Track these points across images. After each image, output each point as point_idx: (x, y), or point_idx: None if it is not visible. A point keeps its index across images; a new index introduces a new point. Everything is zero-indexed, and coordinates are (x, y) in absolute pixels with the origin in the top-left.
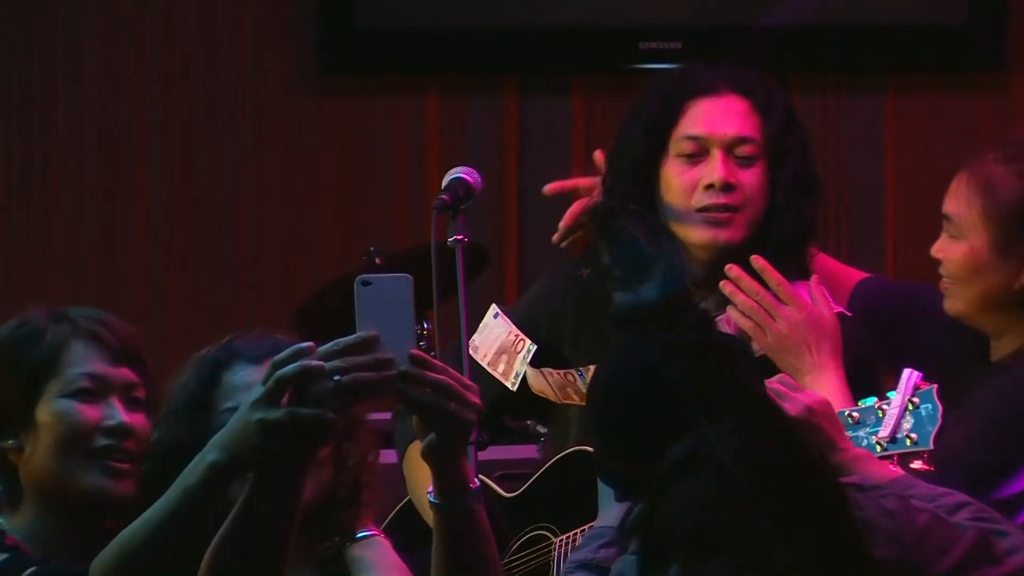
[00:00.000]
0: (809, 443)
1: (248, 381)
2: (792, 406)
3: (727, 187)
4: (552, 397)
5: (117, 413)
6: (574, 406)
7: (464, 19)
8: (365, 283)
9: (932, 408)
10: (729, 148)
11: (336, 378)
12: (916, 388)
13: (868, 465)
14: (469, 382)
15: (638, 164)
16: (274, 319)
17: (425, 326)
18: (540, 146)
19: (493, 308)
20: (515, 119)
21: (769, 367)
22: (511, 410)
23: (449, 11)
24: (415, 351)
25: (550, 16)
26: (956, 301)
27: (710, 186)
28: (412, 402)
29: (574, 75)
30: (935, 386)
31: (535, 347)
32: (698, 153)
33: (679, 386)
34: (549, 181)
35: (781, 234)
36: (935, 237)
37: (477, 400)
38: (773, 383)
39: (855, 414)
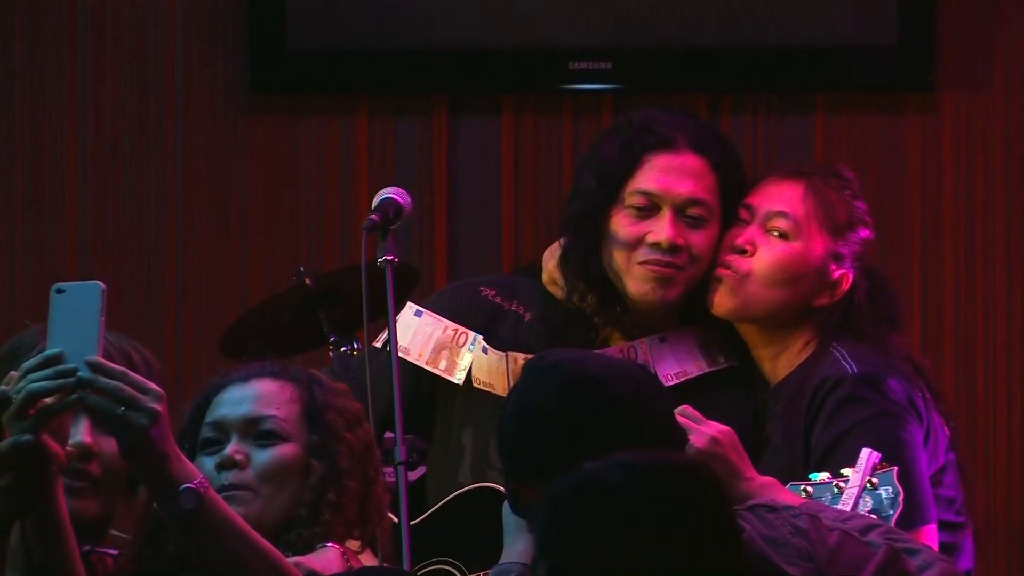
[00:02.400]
0: (711, 476)
1: (225, 398)
2: (697, 438)
3: (673, 248)
4: (500, 389)
5: (79, 433)
6: (469, 431)
7: (394, 39)
8: (59, 291)
9: (893, 491)
10: (680, 208)
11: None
12: (875, 468)
13: (775, 492)
14: (151, 386)
15: (590, 212)
16: (203, 339)
17: (355, 346)
18: (470, 166)
19: (412, 307)
20: (445, 139)
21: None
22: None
23: (379, 31)
24: (92, 358)
25: (480, 36)
26: (748, 300)
27: (656, 244)
28: (88, 408)
29: (504, 95)
30: (895, 468)
31: (481, 336)
32: (649, 208)
33: (594, 416)
34: (478, 200)
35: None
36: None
37: (156, 406)
38: (678, 416)
39: (808, 488)
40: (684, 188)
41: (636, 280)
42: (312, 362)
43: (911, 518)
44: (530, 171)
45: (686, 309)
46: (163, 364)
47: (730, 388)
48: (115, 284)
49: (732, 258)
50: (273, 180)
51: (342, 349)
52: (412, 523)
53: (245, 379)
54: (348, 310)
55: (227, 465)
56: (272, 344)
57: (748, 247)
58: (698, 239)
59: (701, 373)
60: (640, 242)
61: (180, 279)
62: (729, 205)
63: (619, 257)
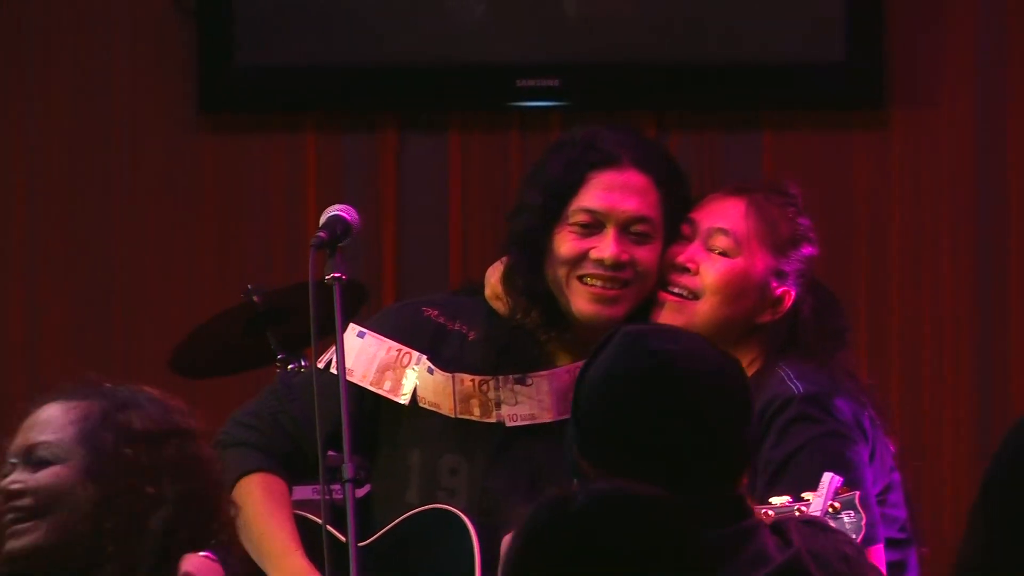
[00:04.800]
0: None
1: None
2: None
3: (617, 265)
4: (447, 410)
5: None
6: (416, 453)
7: (342, 56)
8: None
9: (856, 515)
10: (624, 226)
11: None
12: (837, 493)
13: None
14: None
15: (534, 229)
16: (151, 357)
17: (303, 363)
18: (417, 183)
19: (354, 328)
20: (392, 156)
21: None
22: (340, 448)
23: (327, 48)
24: None
25: (427, 53)
26: (692, 318)
27: (600, 261)
28: None
29: (451, 112)
30: (857, 493)
31: (425, 356)
32: (593, 226)
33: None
34: (427, 217)
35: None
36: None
37: None
38: None
39: (770, 512)
40: (628, 205)
41: (580, 298)
42: (260, 379)
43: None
44: (478, 188)
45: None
46: (111, 382)
47: None
48: (62, 302)
49: (676, 277)
50: (221, 198)
51: (289, 367)
52: (362, 545)
53: (41, 404)
54: (296, 328)
55: (10, 497)
56: (220, 361)
57: (690, 265)
58: (643, 255)
59: None
60: (583, 258)
61: (128, 297)
62: (673, 221)
63: (562, 274)
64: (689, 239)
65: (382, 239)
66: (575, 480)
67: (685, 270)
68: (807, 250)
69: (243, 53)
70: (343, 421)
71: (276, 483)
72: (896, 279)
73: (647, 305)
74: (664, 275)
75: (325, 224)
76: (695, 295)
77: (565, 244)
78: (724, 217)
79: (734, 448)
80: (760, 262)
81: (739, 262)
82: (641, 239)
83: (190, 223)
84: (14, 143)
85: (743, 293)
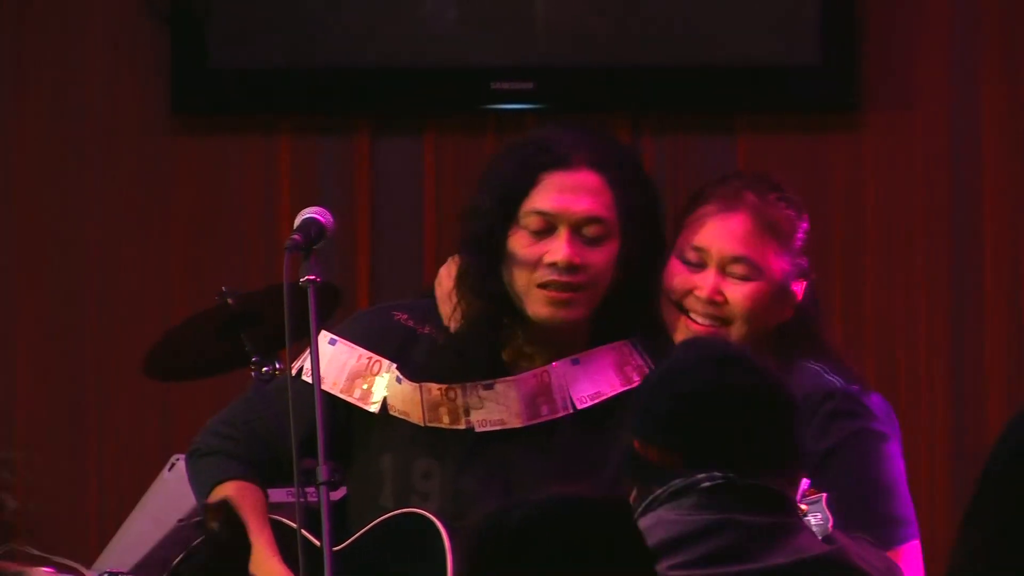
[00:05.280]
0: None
1: None
2: None
3: (571, 268)
4: (417, 418)
5: None
6: (388, 457)
7: (316, 60)
8: None
9: (823, 518)
10: (577, 227)
11: None
12: (804, 495)
13: None
14: None
15: (487, 232)
16: (124, 360)
17: (277, 366)
18: (392, 186)
19: (326, 335)
20: (367, 159)
21: None
22: (314, 455)
23: (301, 52)
24: None
25: (402, 56)
26: (732, 340)
27: (553, 264)
28: None
29: (426, 115)
30: (824, 495)
31: (395, 364)
32: (546, 229)
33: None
34: (401, 220)
35: (622, 309)
36: None
37: None
38: None
39: None
40: (580, 207)
41: (536, 303)
42: (234, 382)
43: (898, 535)
44: (452, 191)
45: (596, 329)
46: (86, 383)
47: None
48: (35, 305)
49: (702, 307)
50: (195, 200)
51: (264, 369)
52: (337, 549)
53: None
54: (270, 330)
55: None
56: (194, 365)
57: (718, 298)
58: (596, 257)
59: (615, 393)
60: (539, 263)
61: (101, 300)
62: (629, 221)
63: (519, 278)
64: (699, 265)
65: (357, 242)
66: (630, 475)
67: (712, 303)
68: (803, 229)
69: (217, 55)
70: (318, 424)
71: (251, 490)
72: (870, 281)
73: (612, 308)
74: (681, 301)
75: (299, 227)
76: (726, 322)
77: (520, 248)
78: (734, 241)
79: (787, 443)
80: (778, 271)
81: (762, 283)
82: (594, 241)
83: (164, 226)
84: None
85: (771, 306)
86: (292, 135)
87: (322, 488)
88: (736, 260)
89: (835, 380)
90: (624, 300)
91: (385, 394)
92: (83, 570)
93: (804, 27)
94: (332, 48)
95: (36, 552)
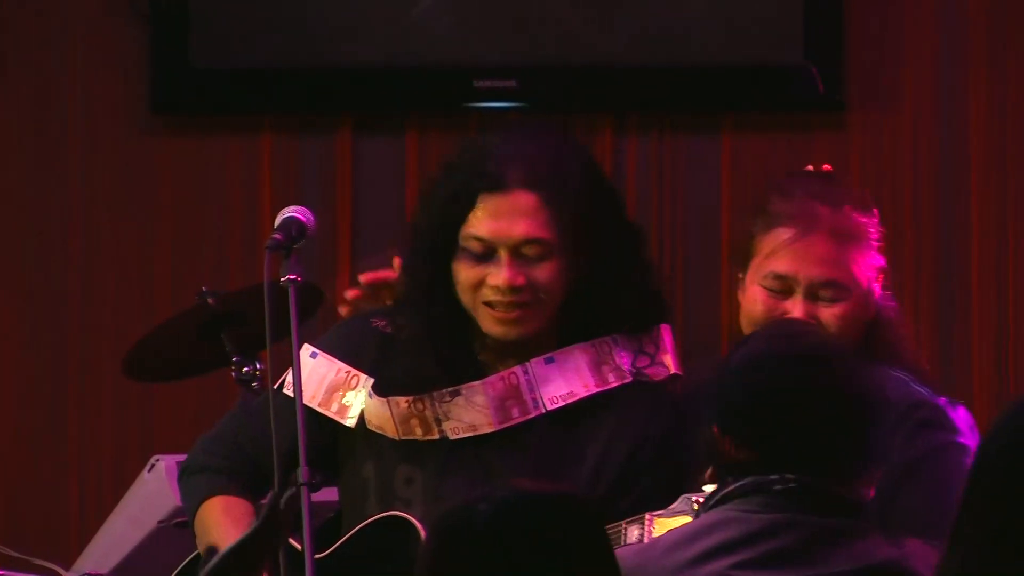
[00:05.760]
0: None
1: None
2: None
3: (513, 290)
4: (392, 433)
5: None
6: (371, 465)
7: (297, 58)
8: None
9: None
10: (515, 249)
11: None
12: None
13: None
14: None
15: (430, 256)
16: (105, 361)
17: (258, 366)
18: (374, 185)
19: (308, 348)
20: (348, 158)
21: None
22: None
23: (282, 50)
24: None
25: (383, 54)
26: None
27: (496, 288)
28: None
29: (408, 114)
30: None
31: (372, 379)
32: (485, 253)
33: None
34: (383, 220)
35: (592, 306)
36: None
37: None
38: None
39: (700, 500)
40: (516, 231)
41: (486, 321)
42: (215, 383)
43: None
44: None
45: (565, 326)
46: (65, 384)
47: (630, 406)
48: (16, 305)
49: None
50: (175, 199)
51: (244, 370)
52: (320, 556)
53: None
54: (251, 330)
55: None
56: (174, 365)
57: (812, 322)
58: (539, 275)
59: (589, 394)
60: (482, 283)
61: (81, 300)
62: (571, 235)
63: (466, 298)
64: (784, 292)
65: (338, 241)
66: (707, 459)
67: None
68: (876, 226)
69: (197, 54)
70: (299, 428)
71: (237, 504)
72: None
73: (581, 306)
74: None
75: (280, 226)
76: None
77: (462, 272)
78: (820, 266)
79: (866, 448)
80: (864, 281)
81: (852, 300)
82: (535, 260)
83: (144, 225)
84: None
85: (863, 316)
86: (273, 134)
87: (303, 489)
88: (825, 285)
89: (923, 391)
90: (590, 296)
91: (362, 408)
92: (62, 572)
93: (789, 26)
94: (314, 47)
95: (15, 554)
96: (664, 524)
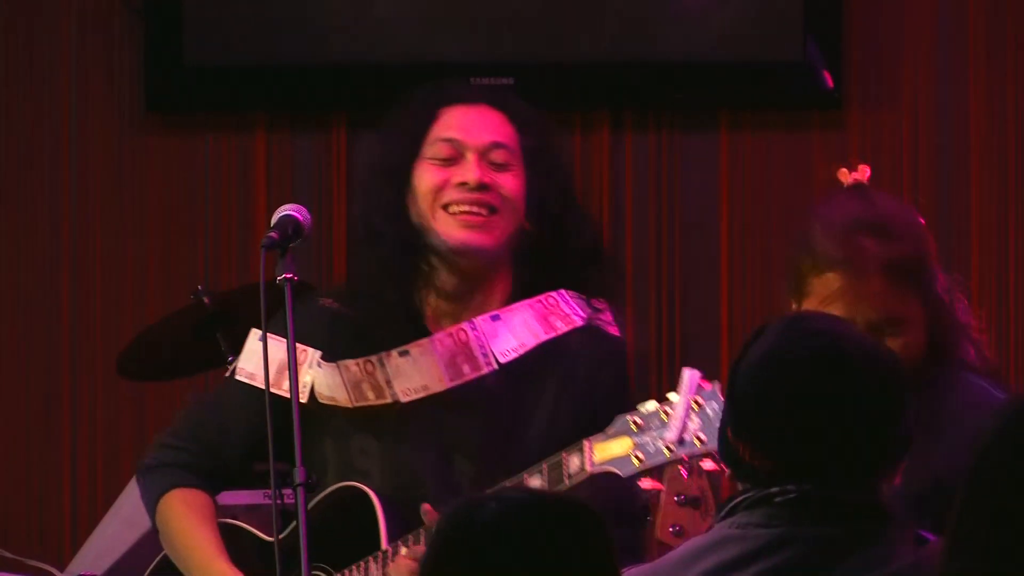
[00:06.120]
0: None
1: None
2: None
3: (481, 187)
4: (344, 400)
5: None
6: (328, 442)
7: (292, 56)
8: None
9: (718, 406)
10: (484, 152)
11: None
12: (699, 388)
13: None
14: None
15: (390, 170)
16: (98, 361)
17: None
18: None
19: (256, 333)
20: (343, 156)
21: None
22: (260, 454)
23: (276, 48)
24: None
25: (379, 52)
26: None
27: (463, 184)
28: None
29: None
30: (718, 384)
31: (319, 351)
32: (453, 157)
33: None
34: None
35: (539, 264)
36: (768, 275)
37: None
38: None
39: (638, 420)
40: (485, 133)
41: (448, 227)
42: (210, 382)
43: None
44: None
45: (515, 288)
46: (59, 384)
47: (582, 349)
48: (8, 305)
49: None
50: (169, 198)
51: None
52: (282, 537)
53: None
54: (246, 329)
55: None
56: (169, 364)
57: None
58: (506, 181)
59: (540, 343)
60: (446, 185)
61: (75, 299)
62: (533, 160)
63: (426, 206)
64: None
65: (333, 239)
66: (729, 465)
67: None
68: (929, 240)
69: (191, 53)
70: (295, 425)
71: (197, 496)
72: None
73: (531, 263)
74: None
75: (276, 224)
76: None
77: (426, 176)
78: (878, 307)
79: (885, 441)
80: (924, 303)
81: (914, 332)
82: (502, 167)
83: (138, 224)
84: None
85: (930, 335)
86: (268, 132)
87: (299, 489)
88: (885, 323)
89: (1002, 395)
90: (539, 253)
91: (312, 384)
92: (57, 573)
93: (787, 23)
94: (308, 44)
95: (9, 555)
96: (603, 448)
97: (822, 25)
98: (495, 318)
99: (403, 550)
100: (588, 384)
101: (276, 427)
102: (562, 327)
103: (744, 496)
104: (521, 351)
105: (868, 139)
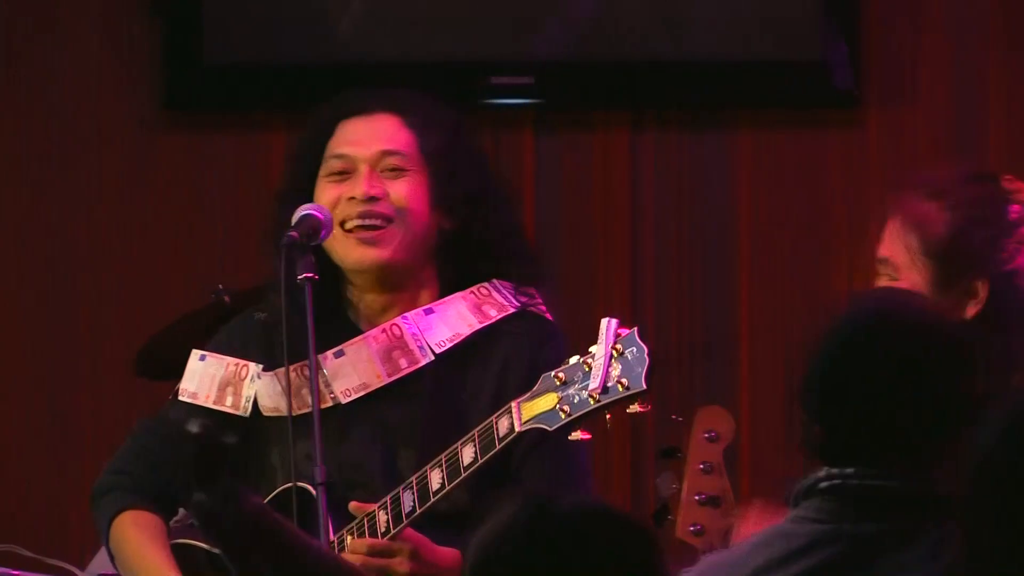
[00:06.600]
0: None
1: None
2: None
3: (370, 199)
4: (286, 409)
5: None
6: (274, 451)
7: (311, 55)
8: None
9: (637, 350)
10: (374, 163)
11: None
12: (617, 336)
13: None
14: None
15: (293, 188)
16: (117, 360)
17: None
18: None
19: (197, 353)
20: None
21: None
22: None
23: (296, 47)
24: None
25: (399, 50)
26: None
27: (352, 199)
28: None
29: None
30: (636, 328)
31: (260, 365)
32: (347, 171)
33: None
34: None
35: (465, 257)
36: (787, 273)
37: None
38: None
39: (560, 375)
40: (375, 143)
41: (345, 246)
42: None
43: None
44: None
45: (444, 282)
46: (76, 383)
47: (519, 336)
48: (26, 304)
49: None
50: (187, 197)
51: None
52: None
53: None
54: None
55: None
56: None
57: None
58: (398, 188)
59: (473, 331)
60: (339, 201)
61: (93, 297)
62: (437, 160)
63: None
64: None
65: None
66: (807, 452)
67: None
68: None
69: (210, 51)
70: (315, 434)
71: (146, 517)
72: (874, 276)
73: (452, 255)
74: None
75: (297, 223)
76: None
77: (323, 194)
78: (884, 245)
79: (939, 426)
80: (922, 272)
81: (902, 285)
82: (395, 173)
83: (157, 223)
84: None
85: None
86: (287, 131)
87: (319, 488)
88: None
89: None
90: (460, 250)
91: (255, 396)
92: (77, 572)
93: (805, 22)
94: (328, 43)
95: (29, 554)
96: (530, 406)
97: (839, 23)
98: (428, 311)
99: (348, 539)
100: (531, 363)
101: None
102: (495, 315)
103: (797, 488)
104: (456, 340)
105: (886, 137)
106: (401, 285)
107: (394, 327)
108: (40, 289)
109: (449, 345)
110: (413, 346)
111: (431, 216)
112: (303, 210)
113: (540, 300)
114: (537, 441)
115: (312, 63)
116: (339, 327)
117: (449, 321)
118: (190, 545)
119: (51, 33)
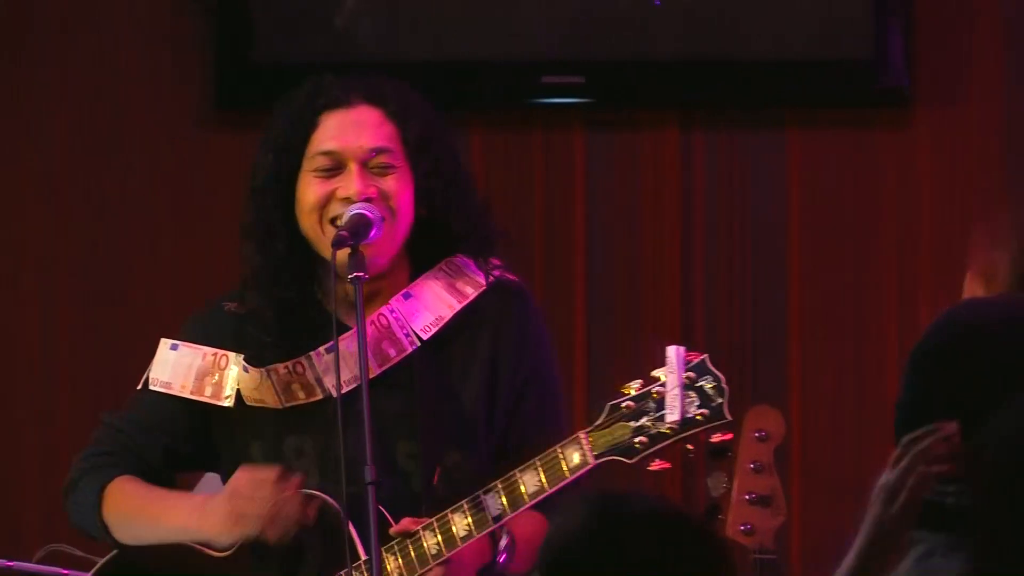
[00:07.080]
0: None
1: None
2: None
3: (366, 200)
4: (272, 402)
5: None
6: (256, 445)
7: (360, 54)
8: None
9: (712, 379)
10: (365, 161)
11: None
12: (687, 363)
13: None
14: None
15: (271, 184)
16: None
17: None
18: None
19: (167, 342)
20: None
21: None
22: (180, 463)
23: (345, 46)
24: None
25: (449, 49)
26: None
27: (347, 199)
28: None
29: (474, 109)
30: (706, 356)
31: (243, 354)
32: (334, 168)
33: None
34: None
35: (436, 243)
36: (837, 272)
37: None
38: None
39: (630, 404)
40: (364, 140)
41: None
42: None
43: None
44: (500, 187)
45: (416, 267)
46: (128, 379)
47: (500, 312)
48: (80, 301)
49: None
50: (239, 196)
51: None
52: (228, 553)
53: None
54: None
55: None
56: None
57: None
58: (390, 186)
59: (455, 312)
60: (330, 199)
61: (143, 296)
62: (417, 152)
63: (311, 221)
64: None
65: None
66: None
67: None
68: None
69: (261, 50)
70: (366, 429)
71: (135, 479)
72: (925, 279)
73: (425, 242)
74: None
75: (347, 223)
76: None
77: (310, 191)
78: None
79: None
80: None
81: None
82: (384, 170)
83: (206, 222)
84: (29, 141)
85: None
86: None
87: (369, 488)
88: None
89: None
90: (432, 237)
91: (237, 386)
92: None
93: (856, 21)
94: (377, 41)
95: (80, 553)
96: (599, 437)
97: (890, 22)
98: (407, 296)
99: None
100: (519, 347)
101: (186, 431)
102: (471, 292)
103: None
104: (440, 324)
105: (936, 138)
106: (383, 275)
107: (380, 317)
108: (90, 288)
109: (434, 330)
110: (400, 334)
111: (415, 207)
112: (353, 209)
113: (502, 264)
114: (526, 390)
115: (361, 63)
116: (323, 320)
117: (429, 304)
118: (185, 547)
119: (104, 33)
